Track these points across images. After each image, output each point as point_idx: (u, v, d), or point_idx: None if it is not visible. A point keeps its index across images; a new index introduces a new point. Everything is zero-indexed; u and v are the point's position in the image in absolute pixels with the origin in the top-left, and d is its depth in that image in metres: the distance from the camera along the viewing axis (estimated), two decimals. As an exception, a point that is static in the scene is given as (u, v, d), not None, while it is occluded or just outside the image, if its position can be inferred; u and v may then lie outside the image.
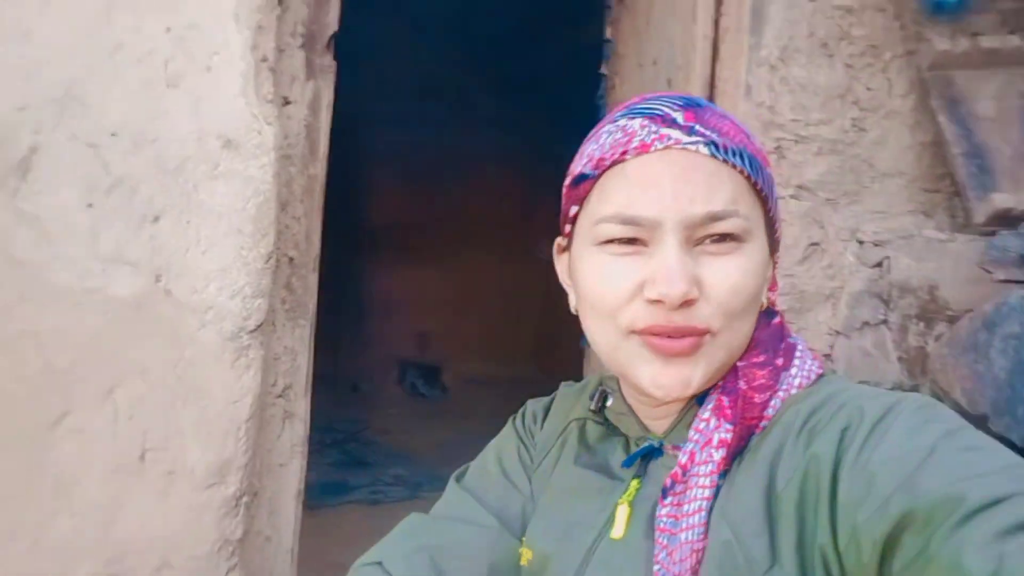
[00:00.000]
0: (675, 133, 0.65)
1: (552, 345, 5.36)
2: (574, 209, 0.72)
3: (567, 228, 0.74)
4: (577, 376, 1.06)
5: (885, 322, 1.98)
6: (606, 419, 0.80)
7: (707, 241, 0.65)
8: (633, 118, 0.68)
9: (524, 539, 0.78)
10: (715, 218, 0.64)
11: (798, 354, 0.71)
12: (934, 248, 1.96)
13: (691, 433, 0.67)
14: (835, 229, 2.12)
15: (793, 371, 0.69)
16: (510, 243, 5.92)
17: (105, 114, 1.46)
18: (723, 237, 0.65)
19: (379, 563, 0.75)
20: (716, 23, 2.19)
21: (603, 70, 2.71)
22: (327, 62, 1.71)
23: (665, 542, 0.64)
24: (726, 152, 0.65)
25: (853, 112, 2.15)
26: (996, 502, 0.47)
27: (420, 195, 6.08)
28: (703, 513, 0.63)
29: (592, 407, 0.81)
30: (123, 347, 1.46)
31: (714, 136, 0.66)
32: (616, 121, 0.69)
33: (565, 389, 0.90)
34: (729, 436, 0.65)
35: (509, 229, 6.03)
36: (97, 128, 1.45)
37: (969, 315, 1.57)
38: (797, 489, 0.59)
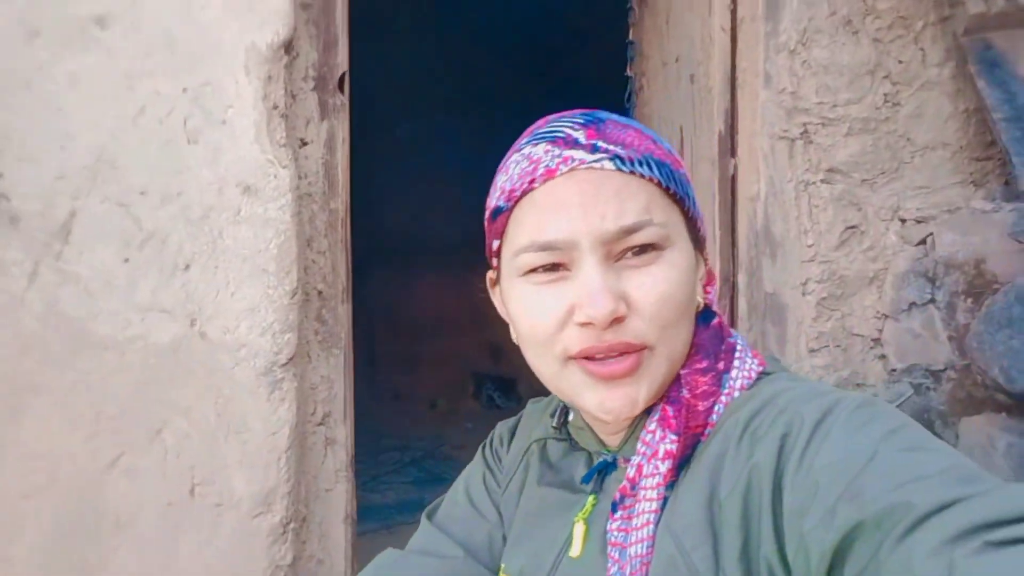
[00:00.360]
0: (578, 153, 0.66)
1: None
2: (496, 243, 0.73)
3: (494, 261, 0.76)
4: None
5: (932, 301, 1.90)
6: (568, 435, 0.81)
7: (628, 255, 0.65)
8: (537, 144, 0.69)
9: (502, 566, 0.79)
10: (629, 231, 0.64)
11: (737, 354, 0.70)
12: (979, 220, 1.87)
13: (639, 446, 0.67)
14: (874, 209, 2.04)
15: (733, 373, 0.69)
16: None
17: (134, 174, 1.57)
18: (643, 248, 0.65)
19: None
20: (733, 14, 2.16)
21: (629, 72, 2.70)
22: (339, 101, 1.78)
23: (617, 556, 0.65)
24: (632, 164, 0.66)
25: (885, 87, 2.07)
26: (943, 507, 0.46)
27: (474, 210, 6.16)
28: (651, 527, 0.63)
29: (554, 423, 0.82)
30: (166, 389, 1.56)
31: (618, 150, 0.66)
32: (521, 150, 0.70)
33: (531, 407, 0.90)
34: (674, 447, 0.65)
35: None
36: (127, 188, 1.56)
37: (1003, 289, 1.49)
38: (740, 499, 0.59)
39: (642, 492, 0.65)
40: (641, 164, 0.66)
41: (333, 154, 1.78)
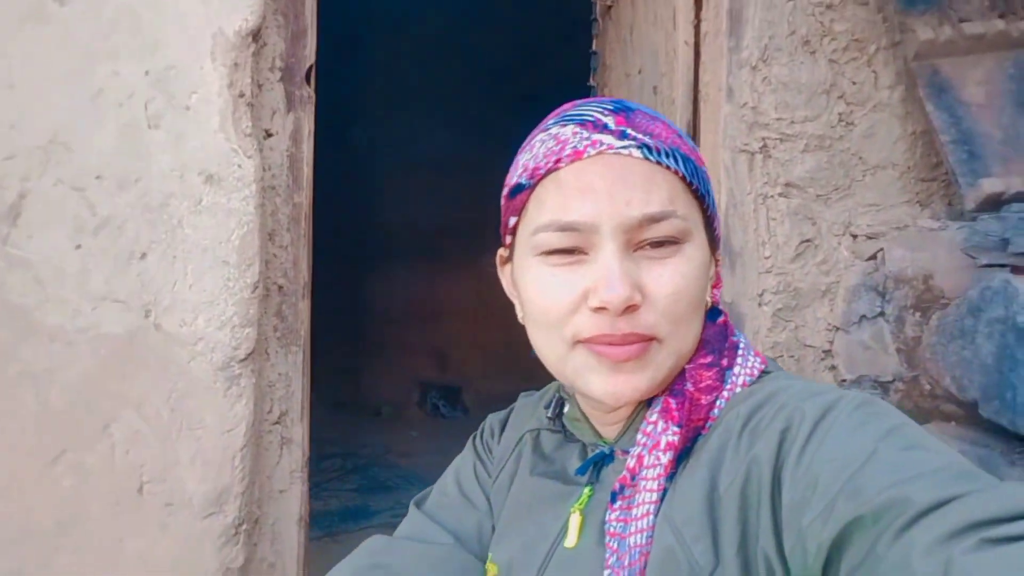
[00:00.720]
0: (607, 138, 0.65)
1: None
2: (512, 220, 0.72)
3: (508, 239, 0.75)
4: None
5: (882, 314, 1.96)
6: (563, 426, 0.80)
7: (647, 246, 0.65)
8: (565, 125, 0.68)
9: (489, 555, 0.78)
10: (653, 220, 0.64)
11: (740, 351, 0.70)
12: (927, 237, 1.94)
13: (639, 436, 0.67)
14: (827, 224, 2.10)
15: (736, 369, 0.69)
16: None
17: (89, 157, 1.51)
18: (662, 241, 0.65)
19: None
20: (696, 29, 2.20)
21: (591, 82, 2.73)
22: (306, 93, 1.75)
23: (615, 546, 0.64)
24: (659, 154, 0.65)
25: (839, 107, 2.14)
26: (941, 504, 0.47)
27: (425, 214, 6.15)
28: (651, 517, 0.63)
29: (549, 414, 0.82)
30: (116, 383, 1.50)
31: (646, 139, 0.66)
32: (548, 129, 0.69)
33: (523, 399, 0.90)
34: (676, 438, 0.65)
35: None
36: (82, 171, 1.50)
37: (955, 302, 1.55)
38: (739, 492, 0.59)
39: (642, 483, 0.65)
40: (668, 156, 0.66)
41: (299, 147, 1.74)
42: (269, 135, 1.70)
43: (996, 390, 1.40)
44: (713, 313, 0.72)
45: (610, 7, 2.64)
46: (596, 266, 0.64)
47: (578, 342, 0.66)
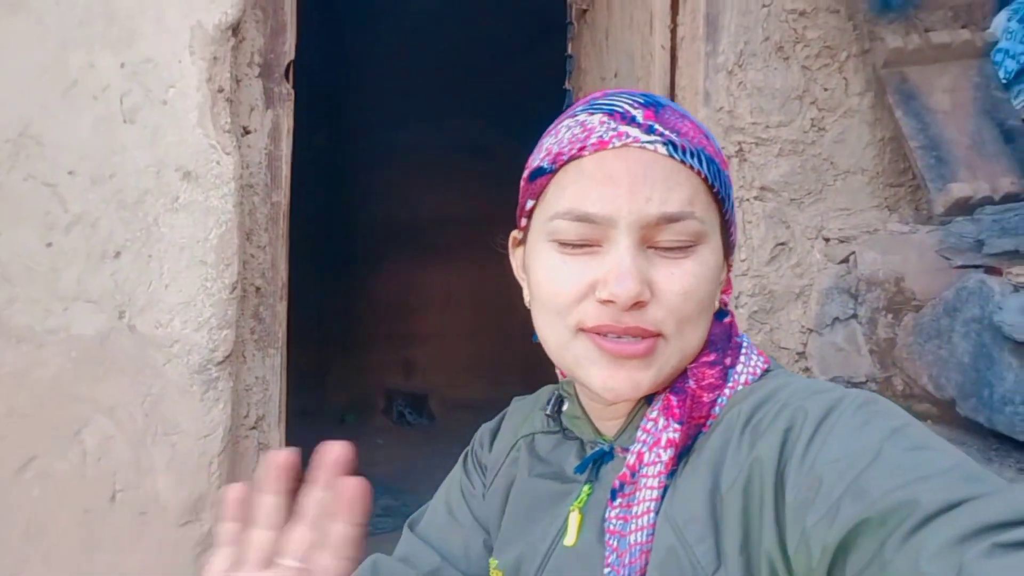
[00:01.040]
0: (634, 131, 0.64)
1: (539, 362, 5.34)
2: (530, 203, 0.71)
3: (523, 222, 0.74)
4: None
5: (855, 316, 1.99)
6: (560, 424, 0.79)
7: (661, 244, 0.64)
8: (593, 114, 0.67)
9: (495, 562, 0.77)
10: (671, 219, 0.63)
11: (744, 350, 0.70)
12: (898, 241, 1.98)
13: (639, 434, 0.66)
14: (801, 228, 2.14)
15: (739, 368, 0.68)
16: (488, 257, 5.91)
17: (62, 152, 1.45)
18: (678, 240, 0.64)
19: None
20: (673, 33, 2.22)
21: (567, 85, 2.74)
22: (285, 90, 1.72)
23: (615, 544, 0.64)
24: (684, 153, 0.64)
25: (812, 112, 2.18)
26: (950, 507, 0.46)
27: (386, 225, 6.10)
28: (651, 515, 0.63)
29: (548, 411, 0.81)
30: (88, 386, 1.44)
31: (673, 136, 0.65)
32: (576, 116, 0.68)
33: (516, 403, 0.89)
34: (677, 436, 0.64)
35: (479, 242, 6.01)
36: (54, 166, 1.44)
37: (931, 303, 1.59)
38: (741, 492, 0.58)
39: (642, 480, 0.64)
40: (693, 156, 0.65)
41: (277, 145, 1.70)
42: (247, 132, 1.66)
43: (973, 388, 1.43)
44: (720, 314, 0.72)
45: (585, 11, 2.65)
46: (608, 258, 0.64)
47: (581, 330, 0.66)
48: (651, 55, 2.24)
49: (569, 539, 0.69)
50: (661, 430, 0.65)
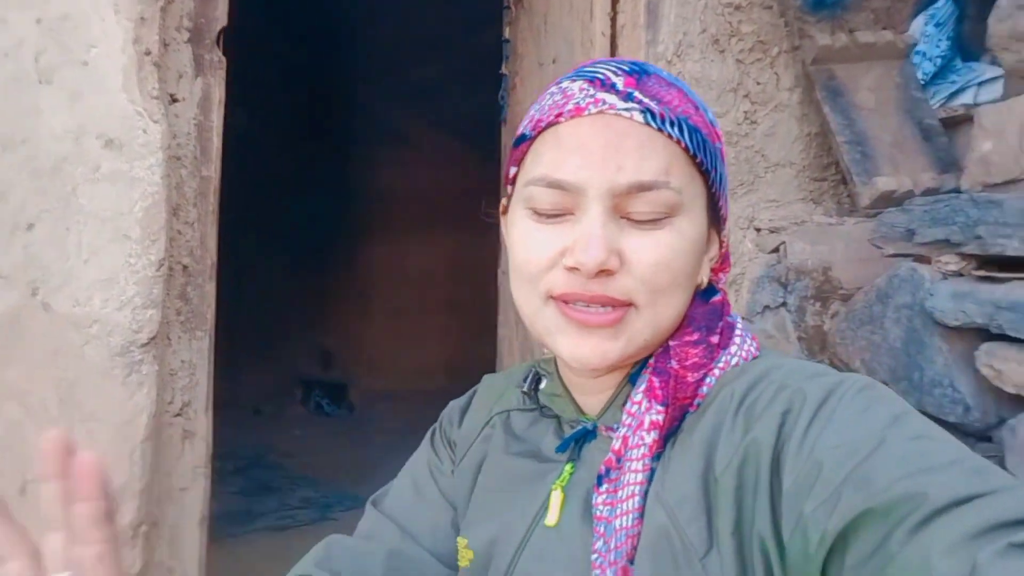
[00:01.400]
0: (611, 98, 0.63)
1: (464, 356, 5.31)
2: (513, 170, 0.71)
3: (509, 188, 0.73)
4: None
5: (784, 304, 2.05)
6: (537, 402, 0.77)
7: (635, 214, 0.63)
8: (575, 80, 0.66)
9: (463, 541, 0.75)
10: (643, 188, 0.62)
11: (738, 332, 0.69)
12: (825, 232, 2.05)
13: (624, 416, 0.65)
14: (734, 218, 2.18)
15: (732, 349, 0.67)
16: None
17: (-35, 113, 1.32)
18: (652, 210, 0.63)
19: None
20: (613, 20, 2.23)
21: (504, 70, 2.71)
22: (216, 58, 1.62)
23: (603, 530, 0.62)
24: (662, 121, 0.63)
25: (745, 105, 2.23)
26: (959, 502, 0.45)
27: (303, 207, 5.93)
28: (637, 498, 0.61)
29: (524, 389, 0.79)
30: (-3, 369, 1.32)
31: (652, 104, 0.63)
32: (560, 83, 0.68)
33: (488, 380, 0.87)
34: (661, 418, 0.63)
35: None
36: (-44, 128, 1.32)
37: (864, 289, 1.64)
38: (735, 474, 0.57)
39: (627, 464, 0.63)
40: (672, 125, 0.63)
41: (207, 115, 1.61)
42: (175, 100, 1.56)
43: (904, 371, 1.49)
44: (708, 292, 0.71)
45: (523, -5, 2.63)
46: (578, 227, 0.63)
47: (551, 298, 0.65)
48: (591, 42, 2.23)
49: (551, 518, 0.67)
50: (644, 412, 0.64)
